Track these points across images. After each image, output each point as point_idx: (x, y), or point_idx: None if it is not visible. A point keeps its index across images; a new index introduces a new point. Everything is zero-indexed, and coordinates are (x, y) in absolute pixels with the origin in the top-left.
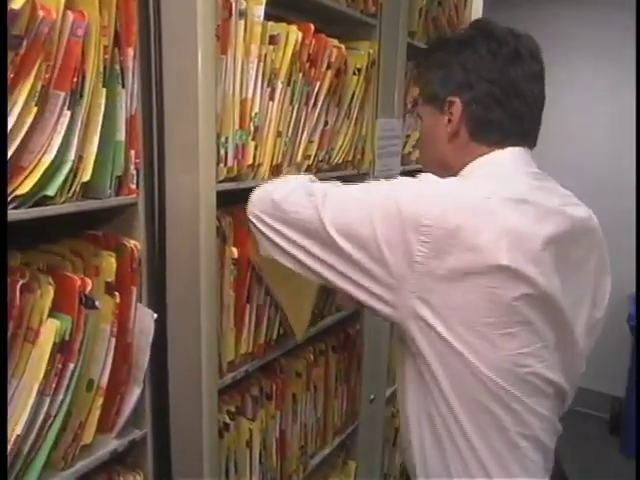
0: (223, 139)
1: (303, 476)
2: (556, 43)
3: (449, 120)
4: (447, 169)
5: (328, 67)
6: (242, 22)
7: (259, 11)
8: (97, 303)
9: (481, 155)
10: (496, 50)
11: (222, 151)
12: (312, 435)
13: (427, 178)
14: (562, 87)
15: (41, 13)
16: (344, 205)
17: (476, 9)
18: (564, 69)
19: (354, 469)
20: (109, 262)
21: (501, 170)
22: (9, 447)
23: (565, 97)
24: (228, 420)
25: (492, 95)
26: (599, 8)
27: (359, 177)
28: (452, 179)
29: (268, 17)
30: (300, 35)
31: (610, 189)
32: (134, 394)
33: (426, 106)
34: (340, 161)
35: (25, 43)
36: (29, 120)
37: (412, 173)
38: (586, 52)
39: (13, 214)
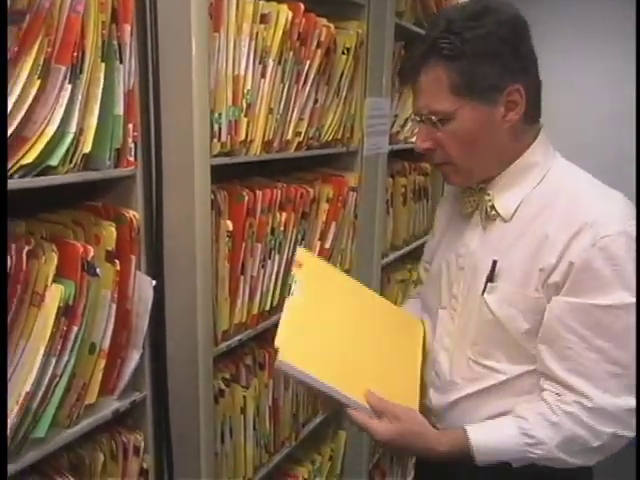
0: (217, 115)
1: (295, 443)
2: (550, 26)
3: (507, 109)
4: (503, 161)
5: (318, 46)
6: (234, 1)
7: None
8: (98, 270)
9: (533, 141)
10: (525, 29)
11: (216, 126)
12: (304, 403)
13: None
14: (555, 72)
15: None
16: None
17: None
18: (559, 54)
19: (344, 439)
20: (109, 231)
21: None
22: (19, 403)
23: (559, 81)
24: (223, 386)
25: (537, 75)
26: None
27: (348, 155)
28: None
29: None
30: (290, 14)
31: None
32: (134, 358)
33: (468, 102)
34: (330, 139)
35: (27, 18)
36: (32, 92)
37: (400, 152)
38: (580, 36)
39: (19, 182)
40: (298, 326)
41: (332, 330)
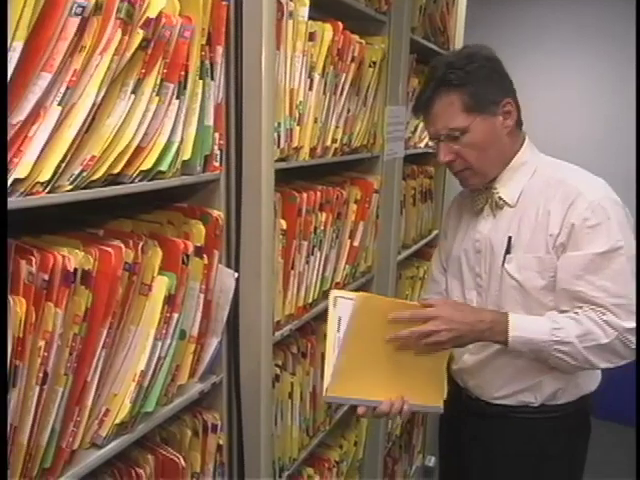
0: (276, 124)
1: (329, 428)
2: (539, 33)
3: (505, 118)
4: (506, 160)
5: (352, 60)
6: (291, 22)
7: (304, 12)
8: (189, 264)
9: (523, 140)
10: (500, 62)
11: (275, 135)
12: None
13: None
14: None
15: (164, 19)
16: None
17: (461, 4)
18: (550, 59)
19: (365, 425)
20: (198, 229)
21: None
22: (135, 380)
23: (549, 84)
24: (278, 372)
25: (515, 93)
26: None
27: (370, 159)
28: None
29: None
30: (332, 32)
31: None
32: (213, 345)
33: (476, 117)
34: (358, 145)
35: (152, 45)
36: (152, 108)
37: (409, 157)
38: (572, 42)
39: (136, 187)
40: (340, 362)
41: (368, 356)
